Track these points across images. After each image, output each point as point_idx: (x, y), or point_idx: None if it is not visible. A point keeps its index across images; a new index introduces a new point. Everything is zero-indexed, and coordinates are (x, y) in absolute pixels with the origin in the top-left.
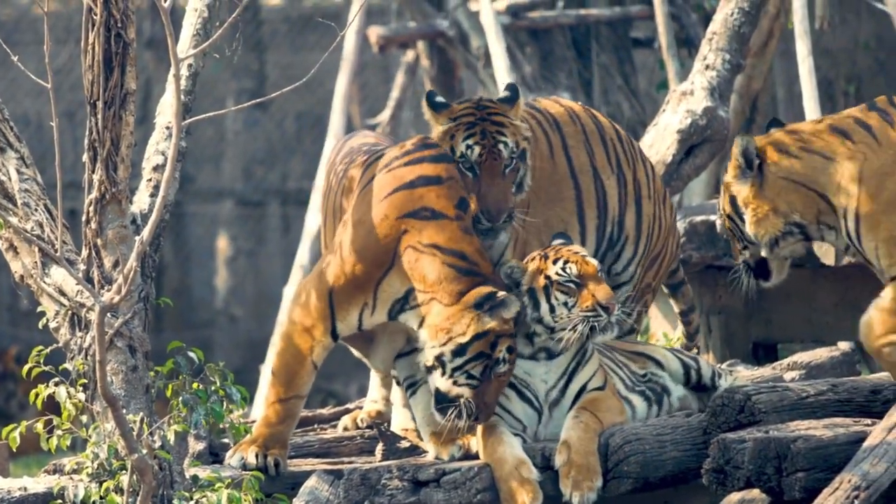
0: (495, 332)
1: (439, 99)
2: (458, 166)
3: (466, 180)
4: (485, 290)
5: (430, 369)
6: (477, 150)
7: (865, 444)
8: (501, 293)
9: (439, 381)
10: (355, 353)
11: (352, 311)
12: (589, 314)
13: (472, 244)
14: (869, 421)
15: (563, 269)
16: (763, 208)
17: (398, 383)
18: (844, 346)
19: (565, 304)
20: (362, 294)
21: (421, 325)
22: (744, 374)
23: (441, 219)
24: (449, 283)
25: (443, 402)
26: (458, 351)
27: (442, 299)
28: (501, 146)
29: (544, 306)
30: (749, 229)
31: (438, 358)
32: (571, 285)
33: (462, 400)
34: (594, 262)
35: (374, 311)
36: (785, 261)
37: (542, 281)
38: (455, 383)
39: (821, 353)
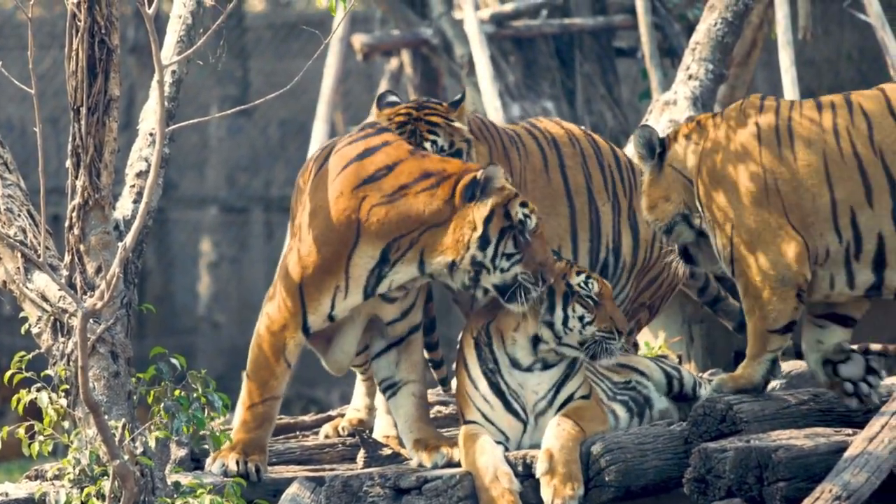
0: (499, 204)
1: (390, 99)
2: None
3: None
4: (463, 181)
5: (475, 280)
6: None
7: (846, 453)
8: (479, 171)
9: (491, 278)
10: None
11: (323, 300)
12: (606, 335)
13: (430, 160)
14: (850, 431)
15: (586, 282)
16: (655, 195)
17: (380, 388)
18: None
19: (581, 318)
20: (333, 278)
21: (423, 261)
22: None
23: (397, 165)
24: (431, 205)
25: (506, 291)
26: (482, 244)
27: (435, 221)
28: (429, 144)
29: (559, 313)
30: (645, 214)
31: (473, 263)
32: (590, 302)
33: (519, 276)
34: (608, 284)
35: (347, 292)
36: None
37: (563, 286)
38: (503, 270)
39: (802, 363)
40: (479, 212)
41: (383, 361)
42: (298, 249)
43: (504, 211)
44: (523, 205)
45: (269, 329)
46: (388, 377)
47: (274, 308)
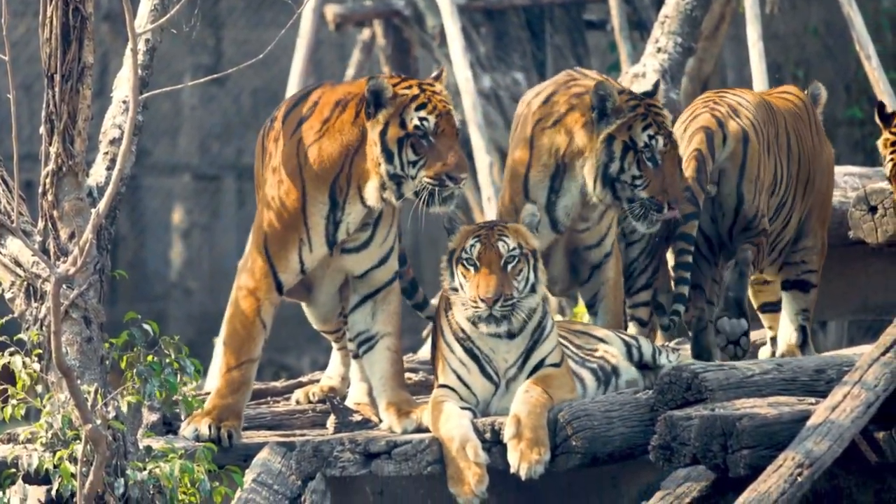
0: (392, 114)
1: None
2: (639, 156)
3: (646, 170)
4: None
5: (399, 193)
6: (661, 140)
7: (809, 422)
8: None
9: (409, 187)
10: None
11: (291, 256)
12: (470, 304)
13: (341, 87)
14: (813, 400)
15: (471, 246)
16: None
17: (352, 342)
18: None
19: (462, 285)
20: (294, 232)
21: (362, 195)
22: (689, 353)
23: (320, 100)
24: (344, 132)
25: (421, 198)
26: (387, 157)
27: (354, 147)
28: (672, 136)
29: (457, 280)
30: None
31: (390, 177)
32: (471, 268)
33: (424, 181)
34: (505, 248)
35: (311, 244)
36: None
37: (458, 252)
38: (413, 177)
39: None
40: (374, 127)
41: (359, 315)
42: (263, 211)
43: (399, 120)
44: (420, 108)
45: (244, 292)
46: (365, 330)
47: (247, 271)
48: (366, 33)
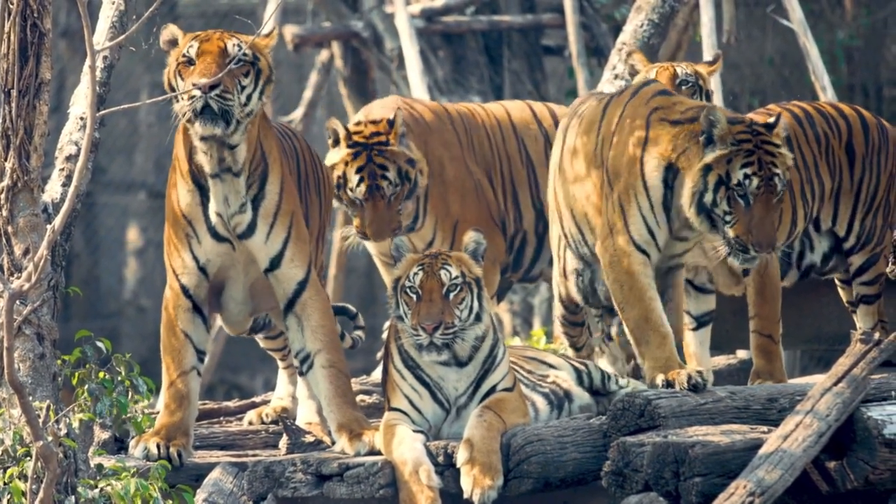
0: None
1: None
2: (730, 192)
3: (736, 208)
4: None
5: None
6: (755, 181)
7: (761, 450)
8: None
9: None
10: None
11: (184, 255)
12: (412, 331)
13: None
14: (765, 428)
15: (414, 274)
16: None
17: (295, 359)
18: (742, 354)
19: (406, 313)
20: (181, 228)
21: (195, 155)
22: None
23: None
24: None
25: None
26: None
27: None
28: (776, 179)
29: (401, 308)
30: None
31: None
32: (413, 296)
33: None
34: (448, 276)
35: (197, 236)
36: None
37: (402, 280)
38: None
39: (718, 361)
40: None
41: (291, 333)
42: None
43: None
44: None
45: (163, 305)
46: (301, 349)
47: (167, 286)
48: (324, 55)
